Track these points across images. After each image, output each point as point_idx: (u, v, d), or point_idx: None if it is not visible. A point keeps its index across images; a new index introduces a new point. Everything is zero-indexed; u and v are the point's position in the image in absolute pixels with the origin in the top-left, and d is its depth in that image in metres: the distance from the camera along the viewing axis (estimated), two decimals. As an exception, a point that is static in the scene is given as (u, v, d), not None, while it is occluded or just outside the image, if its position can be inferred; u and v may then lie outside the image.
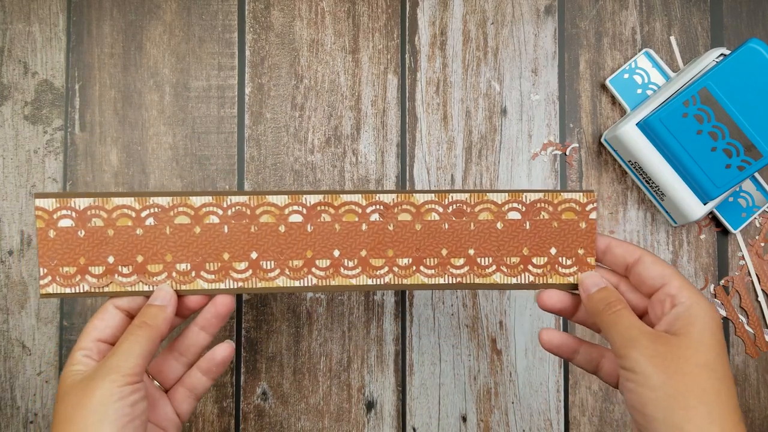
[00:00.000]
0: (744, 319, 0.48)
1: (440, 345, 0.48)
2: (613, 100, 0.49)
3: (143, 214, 0.36)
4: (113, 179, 0.49)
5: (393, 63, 0.49)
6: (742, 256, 0.49)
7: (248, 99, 0.49)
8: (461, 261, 0.37)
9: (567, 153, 0.49)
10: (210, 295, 0.37)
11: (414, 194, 0.37)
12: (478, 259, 0.37)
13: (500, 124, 0.49)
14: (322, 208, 0.37)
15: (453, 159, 0.49)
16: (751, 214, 0.48)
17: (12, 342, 0.48)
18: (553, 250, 0.37)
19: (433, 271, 0.37)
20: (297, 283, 0.37)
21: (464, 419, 0.48)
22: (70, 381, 0.33)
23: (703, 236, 0.49)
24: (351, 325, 0.48)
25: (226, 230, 0.36)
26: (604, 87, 0.49)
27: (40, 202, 0.36)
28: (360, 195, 0.37)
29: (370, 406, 0.48)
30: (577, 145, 0.49)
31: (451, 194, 0.37)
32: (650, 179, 0.45)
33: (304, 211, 0.37)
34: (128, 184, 0.48)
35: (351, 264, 0.37)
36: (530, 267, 0.37)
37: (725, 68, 0.41)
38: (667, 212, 0.47)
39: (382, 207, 0.37)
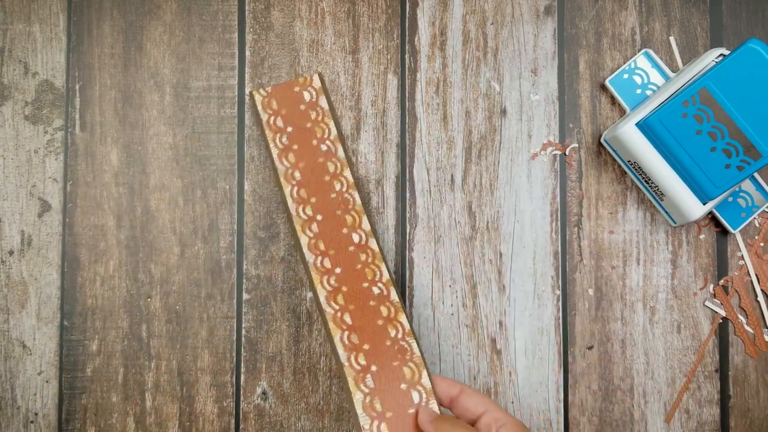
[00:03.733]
0: (743, 319, 0.48)
1: (440, 345, 0.48)
2: (613, 101, 0.49)
3: None
4: (113, 179, 0.49)
5: (393, 63, 0.49)
6: (742, 256, 0.49)
7: (248, 99, 0.49)
8: None
9: (566, 153, 0.49)
10: None
11: None
12: None
13: (500, 124, 0.49)
14: None
15: (453, 159, 0.49)
16: (750, 214, 0.48)
17: (12, 342, 0.48)
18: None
19: None
20: None
21: (464, 419, 0.48)
22: None
23: (702, 236, 0.49)
24: (351, 324, 0.48)
25: None
26: (603, 87, 0.49)
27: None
28: None
29: (370, 405, 0.48)
30: (576, 145, 0.49)
31: None
32: (649, 179, 0.46)
33: None
34: (128, 184, 0.49)
35: None
36: None
37: (725, 68, 0.41)
38: (666, 212, 0.48)
39: None
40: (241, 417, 0.48)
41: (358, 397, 0.41)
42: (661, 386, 0.48)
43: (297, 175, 0.45)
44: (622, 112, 0.49)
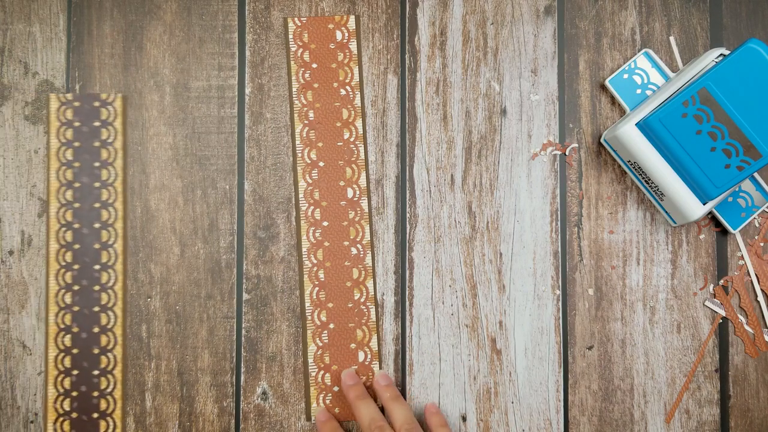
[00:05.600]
0: (743, 319, 0.48)
1: (440, 345, 0.48)
2: (613, 101, 0.49)
3: None
4: (113, 179, 0.49)
5: (393, 63, 0.49)
6: (742, 255, 0.49)
7: (248, 99, 0.49)
8: None
9: (566, 153, 0.49)
10: None
11: None
12: None
13: (500, 124, 0.49)
14: None
15: (453, 159, 0.49)
16: (750, 214, 0.48)
17: (12, 342, 0.48)
18: None
19: None
20: None
21: (464, 419, 0.48)
22: None
23: (702, 236, 0.49)
24: (351, 324, 0.48)
25: None
26: (603, 87, 0.49)
27: None
28: None
29: (370, 405, 0.48)
30: (576, 145, 0.49)
31: None
32: (650, 179, 0.46)
33: None
34: (128, 184, 0.49)
35: None
36: None
37: (724, 68, 0.41)
38: (666, 212, 0.48)
39: None
40: (241, 417, 0.48)
41: (311, 349, 0.46)
42: (661, 386, 0.48)
43: (311, 114, 0.45)
44: (622, 112, 0.49)
